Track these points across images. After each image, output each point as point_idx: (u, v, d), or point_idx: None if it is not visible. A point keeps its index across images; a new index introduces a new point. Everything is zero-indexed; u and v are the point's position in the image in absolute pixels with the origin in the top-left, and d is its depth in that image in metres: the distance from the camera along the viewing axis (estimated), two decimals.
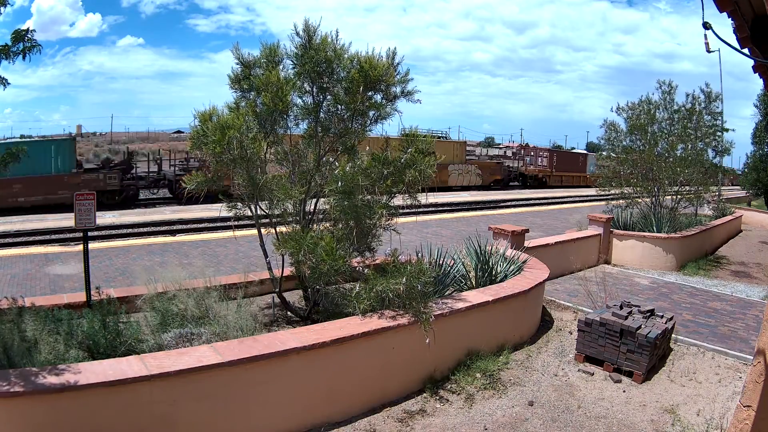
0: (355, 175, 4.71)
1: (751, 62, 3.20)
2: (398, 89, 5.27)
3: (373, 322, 4.28)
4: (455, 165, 30.13)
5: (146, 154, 26.92)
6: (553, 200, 25.87)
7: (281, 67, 5.27)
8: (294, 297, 5.83)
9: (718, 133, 12.40)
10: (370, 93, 5.16)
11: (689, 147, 11.92)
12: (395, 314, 4.43)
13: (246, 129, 4.82)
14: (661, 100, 12.02)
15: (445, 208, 18.60)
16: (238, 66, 5.40)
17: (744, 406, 2.97)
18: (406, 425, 4.03)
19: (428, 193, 5.12)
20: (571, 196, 27.62)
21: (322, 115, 5.31)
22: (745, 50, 3.03)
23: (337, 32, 5.06)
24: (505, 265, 6.52)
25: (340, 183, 4.73)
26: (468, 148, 35.45)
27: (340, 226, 5.06)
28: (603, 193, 12.52)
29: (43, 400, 2.96)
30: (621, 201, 12.21)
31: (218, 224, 12.99)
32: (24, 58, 3.34)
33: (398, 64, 5.19)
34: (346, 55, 5.10)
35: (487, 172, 32.37)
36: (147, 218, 14.71)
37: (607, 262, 10.35)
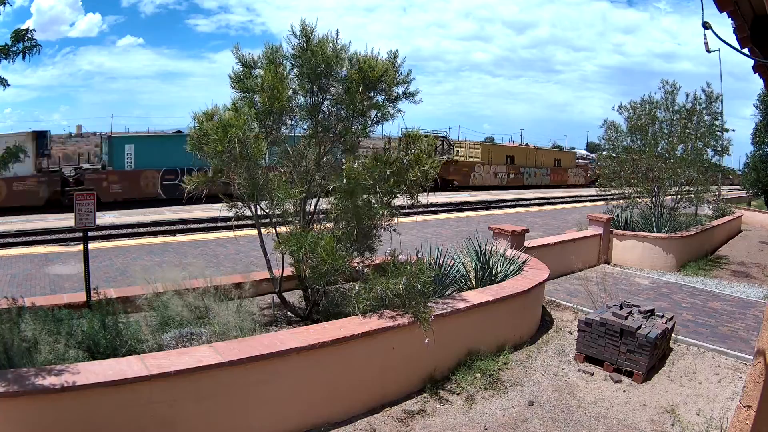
0: (360, 173, 4.70)
1: (751, 62, 3.19)
2: (400, 90, 5.26)
3: (373, 322, 4.29)
4: (571, 169, 39.78)
5: None
6: (553, 200, 25.84)
7: (282, 68, 5.26)
8: (294, 297, 5.83)
9: (718, 133, 12.38)
10: (371, 93, 5.15)
11: (689, 147, 11.91)
12: (395, 314, 4.43)
13: (248, 128, 4.82)
14: (663, 99, 12.01)
15: (445, 208, 18.58)
16: (239, 66, 5.40)
17: (744, 406, 2.97)
18: (406, 425, 4.03)
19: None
20: (571, 196, 27.61)
21: (322, 115, 5.30)
22: (745, 50, 3.03)
23: (337, 32, 5.05)
24: (505, 265, 6.52)
25: (344, 180, 4.72)
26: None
27: (341, 225, 5.06)
28: (603, 193, 12.51)
29: (43, 400, 2.96)
30: (621, 201, 12.20)
31: (218, 224, 12.94)
32: (24, 58, 3.33)
33: (400, 65, 5.18)
34: (344, 55, 5.08)
35: (588, 174, 39.54)
36: (147, 218, 14.70)
37: (607, 262, 10.35)
